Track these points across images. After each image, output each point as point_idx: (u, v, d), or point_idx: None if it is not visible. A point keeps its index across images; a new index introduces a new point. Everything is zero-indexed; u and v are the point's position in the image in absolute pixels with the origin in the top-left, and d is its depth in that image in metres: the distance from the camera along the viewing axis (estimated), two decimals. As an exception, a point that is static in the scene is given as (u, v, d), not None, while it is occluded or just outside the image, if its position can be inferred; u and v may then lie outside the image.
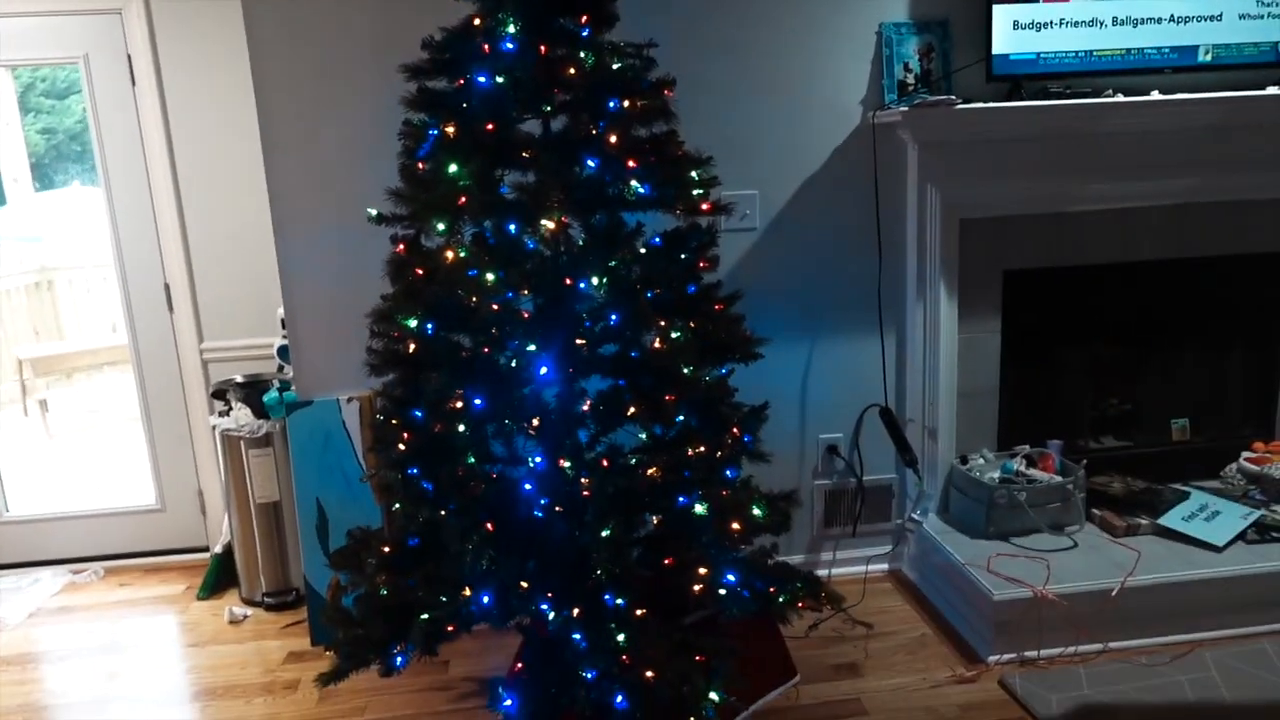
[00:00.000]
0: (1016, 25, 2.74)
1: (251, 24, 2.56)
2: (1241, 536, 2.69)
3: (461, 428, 2.04)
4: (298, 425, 2.74)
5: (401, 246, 2.11)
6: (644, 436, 2.18)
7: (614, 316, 2.05)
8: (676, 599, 2.11)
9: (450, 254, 2.02)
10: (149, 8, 3.10)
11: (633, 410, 2.03)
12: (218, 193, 3.23)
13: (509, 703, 2.03)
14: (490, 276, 1.97)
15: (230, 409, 3.06)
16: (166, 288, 3.28)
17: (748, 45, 2.76)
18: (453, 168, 1.98)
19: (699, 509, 2.08)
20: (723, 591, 2.10)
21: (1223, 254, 3.02)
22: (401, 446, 2.10)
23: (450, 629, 2.05)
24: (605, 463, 2.09)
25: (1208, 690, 2.32)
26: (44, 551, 3.44)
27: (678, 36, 2.63)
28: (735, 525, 2.15)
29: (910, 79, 2.80)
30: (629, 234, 2.08)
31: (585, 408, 2.08)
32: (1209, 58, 2.84)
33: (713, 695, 1.94)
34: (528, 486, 2.03)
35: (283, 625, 2.94)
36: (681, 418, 2.12)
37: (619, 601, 1.97)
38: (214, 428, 3.09)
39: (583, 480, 2.06)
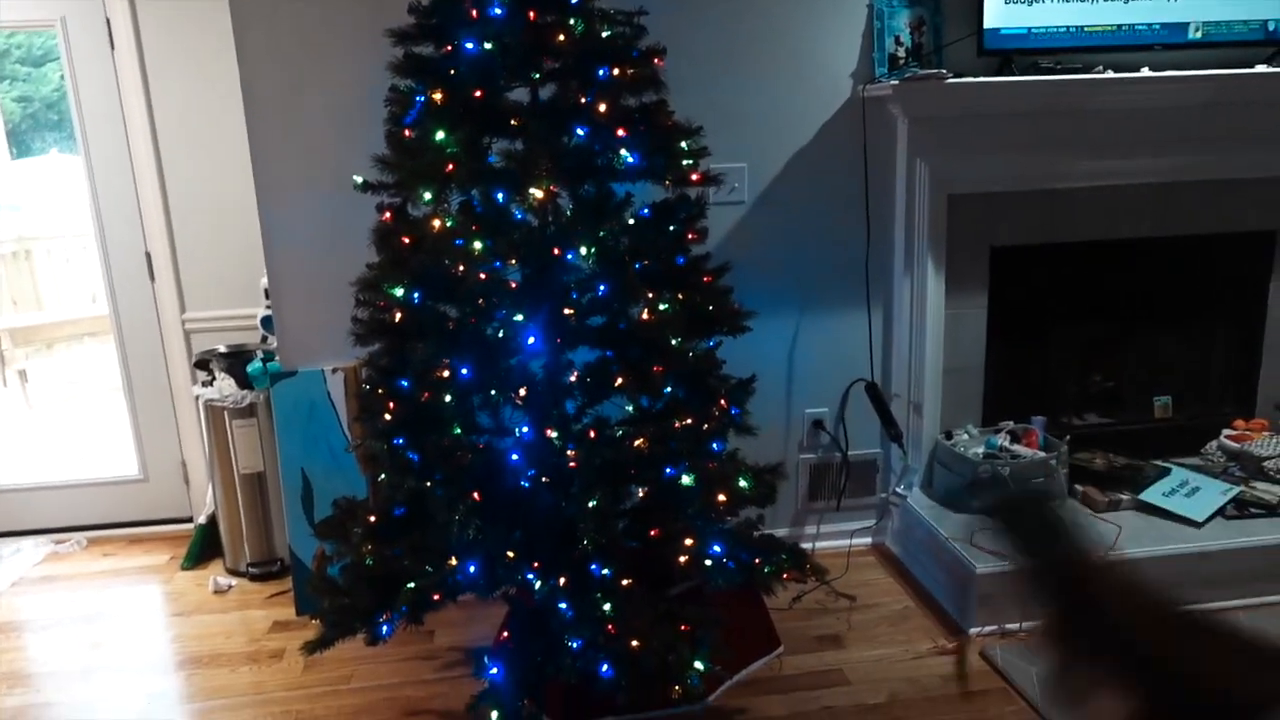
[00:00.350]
0: (1008, -1, 2.73)
1: (234, -13, 2.52)
2: (1220, 512, 2.72)
3: (448, 398, 2.03)
4: (282, 396, 2.72)
5: (388, 215, 2.09)
6: (631, 408, 2.18)
7: (602, 287, 2.05)
8: (662, 570, 2.12)
9: (437, 223, 2.00)
10: (128, -31, 3.04)
11: (620, 382, 2.03)
12: (200, 160, 3.18)
13: (495, 671, 2.04)
14: (478, 245, 1.96)
15: (213, 379, 3.03)
16: (148, 257, 3.24)
17: (738, 16, 2.73)
18: (440, 135, 1.96)
19: (686, 480, 2.09)
20: (708, 563, 2.11)
21: (1208, 233, 3.04)
22: (387, 416, 2.09)
23: (436, 598, 2.06)
24: (592, 434, 2.09)
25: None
26: (25, 521, 3.41)
27: (668, 5, 2.59)
28: (721, 497, 2.15)
29: (901, 52, 2.79)
30: (618, 204, 2.07)
31: (573, 379, 2.08)
32: (1199, 35, 2.83)
33: (697, 665, 1.95)
34: (514, 457, 2.02)
35: (267, 595, 2.93)
36: (669, 389, 2.12)
37: (605, 571, 1.98)
38: (197, 398, 3.06)
39: (569, 451, 2.06)
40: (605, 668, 1.95)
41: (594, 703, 2.16)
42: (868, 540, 3.12)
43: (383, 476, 2.21)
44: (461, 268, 1.99)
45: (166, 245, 3.23)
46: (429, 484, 2.10)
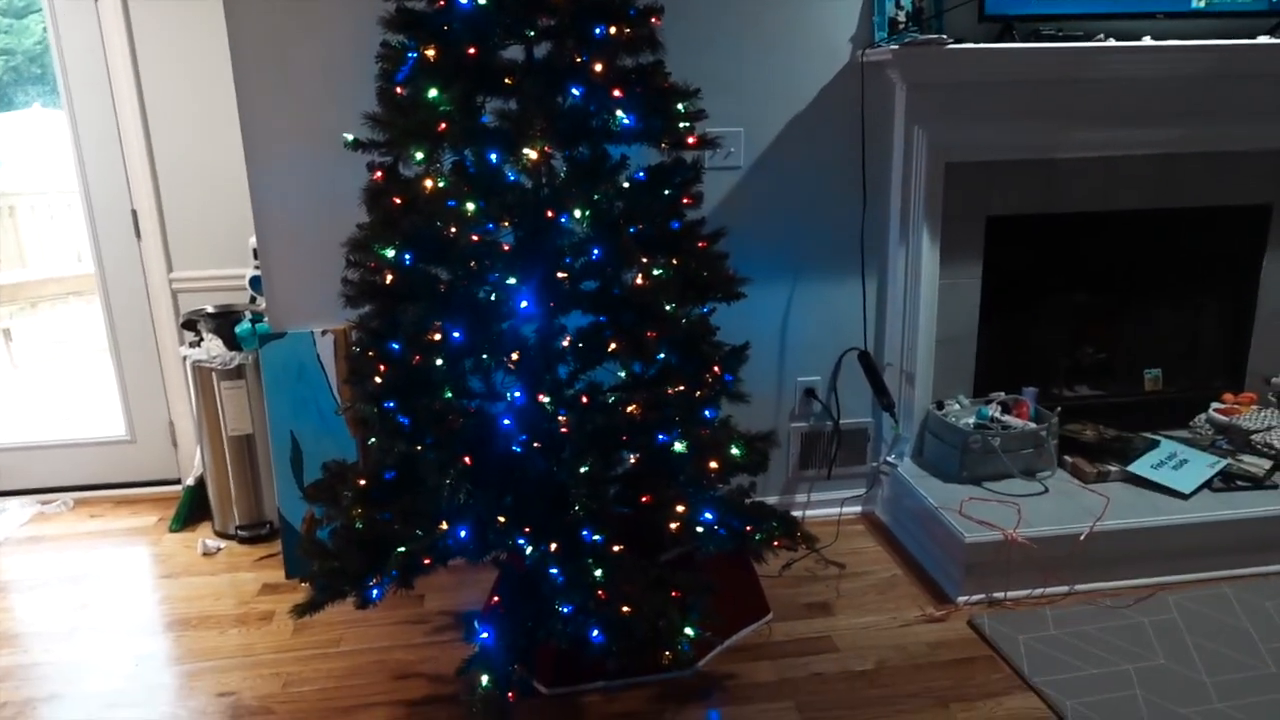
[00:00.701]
0: (1011, -36, 2.69)
1: (221, -63, 2.45)
2: (1208, 484, 2.74)
3: (439, 361, 2.01)
4: (271, 357, 2.70)
5: (378, 174, 2.06)
6: (623, 374, 2.17)
7: (596, 251, 2.03)
8: (653, 536, 2.12)
9: (429, 183, 1.97)
10: (112, -83, 2.96)
11: (613, 347, 2.01)
12: (186, 116, 3.12)
13: (485, 636, 2.04)
14: (470, 207, 1.93)
15: (201, 340, 3.00)
16: (134, 214, 3.19)
17: (737, -24, 2.68)
18: (432, 93, 1.92)
19: (678, 447, 2.08)
20: (699, 529, 2.11)
21: (1204, 205, 3.02)
22: (378, 379, 2.07)
23: (426, 562, 2.06)
24: (585, 399, 2.08)
25: (1169, 632, 2.38)
26: (11, 481, 3.39)
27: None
28: (713, 464, 2.15)
29: (901, 17, 2.74)
30: (613, 167, 2.04)
31: (565, 344, 2.06)
32: (1202, 4, 2.80)
33: (688, 631, 1.96)
34: (506, 422, 2.01)
35: (257, 558, 2.93)
36: (662, 356, 2.11)
37: (596, 537, 1.97)
38: (185, 359, 3.03)
39: (561, 417, 2.05)
40: (596, 633, 1.96)
41: (584, 668, 2.17)
42: (858, 509, 3.13)
43: (373, 440, 2.20)
44: (454, 229, 1.97)
45: (153, 203, 3.17)
46: (419, 448, 2.09)
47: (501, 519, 2.00)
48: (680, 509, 2.08)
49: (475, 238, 1.97)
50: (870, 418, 3.08)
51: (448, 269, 2.04)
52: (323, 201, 2.58)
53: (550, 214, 1.96)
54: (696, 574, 2.08)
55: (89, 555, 2.99)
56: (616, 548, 2.00)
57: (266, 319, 2.76)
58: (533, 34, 1.99)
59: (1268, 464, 2.80)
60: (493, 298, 2.00)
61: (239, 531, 3.03)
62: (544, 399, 2.03)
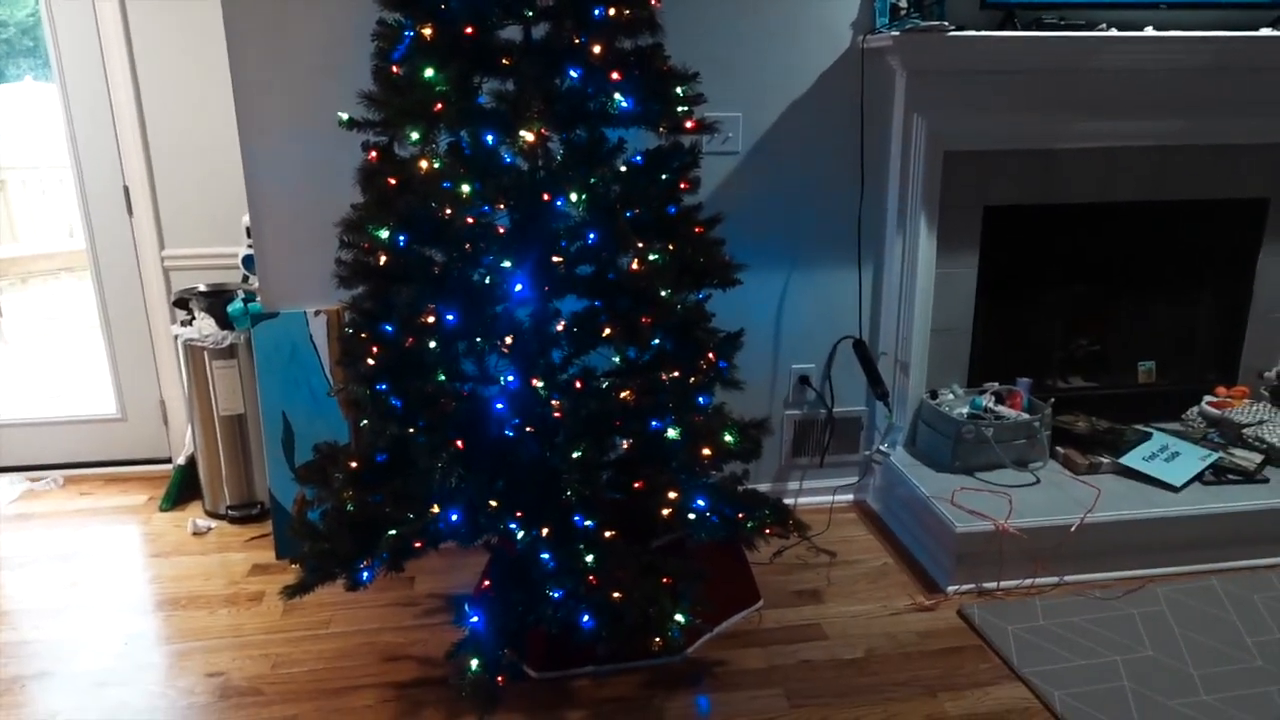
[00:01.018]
0: (1014, -49, 2.66)
1: (215, -91, 2.41)
2: (1199, 477, 2.75)
3: (432, 344, 2.00)
4: (263, 337, 2.68)
5: (373, 154, 2.04)
6: (617, 359, 2.16)
7: (592, 235, 2.01)
8: (645, 522, 2.11)
9: (424, 164, 1.95)
10: (104, -112, 2.91)
11: (608, 332, 2.00)
12: (180, 91, 3.08)
13: (475, 619, 2.04)
14: (465, 189, 1.92)
15: (193, 319, 2.98)
16: (126, 190, 3.16)
17: (738, -41, 2.66)
18: (429, 72, 1.90)
19: (671, 434, 2.08)
20: (691, 516, 2.11)
21: (1202, 198, 3.02)
22: (370, 361, 2.06)
23: (417, 546, 2.05)
24: (578, 384, 2.07)
25: (1158, 623, 2.39)
26: (1, 458, 3.37)
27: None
28: (706, 451, 2.15)
29: (903, 3, 2.71)
30: (610, 150, 2.02)
31: (559, 328, 2.05)
32: (1205, -6, 2.78)
33: (678, 617, 1.96)
34: (499, 406, 2.00)
35: (247, 538, 2.92)
36: (657, 341, 2.10)
37: (588, 523, 1.97)
38: (176, 338, 3.01)
39: (554, 401, 2.04)
40: (586, 618, 1.96)
41: (574, 653, 2.17)
42: (850, 497, 3.14)
43: (364, 422, 2.19)
44: (448, 211, 1.95)
45: (145, 179, 3.14)
46: (411, 430, 2.08)
47: (493, 503, 1.99)
48: (672, 495, 2.07)
49: (470, 220, 1.95)
50: (864, 406, 3.08)
51: (442, 251, 2.03)
52: (317, 180, 2.56)
53: (546, 197, 1.94)
54: (687, 560, 2.08)
55: (79, 533, 2.98)
56: (608, 533, 1.99)
57: (259, 298, 2.74)
58: (531, 14, 1.97)
59: (1259, 458, 2.81)
60: (487, 281, 1.99)
61: (229, 511, 3.02)
62: (537, 384, 2.02)
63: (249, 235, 2.84)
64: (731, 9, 2.68)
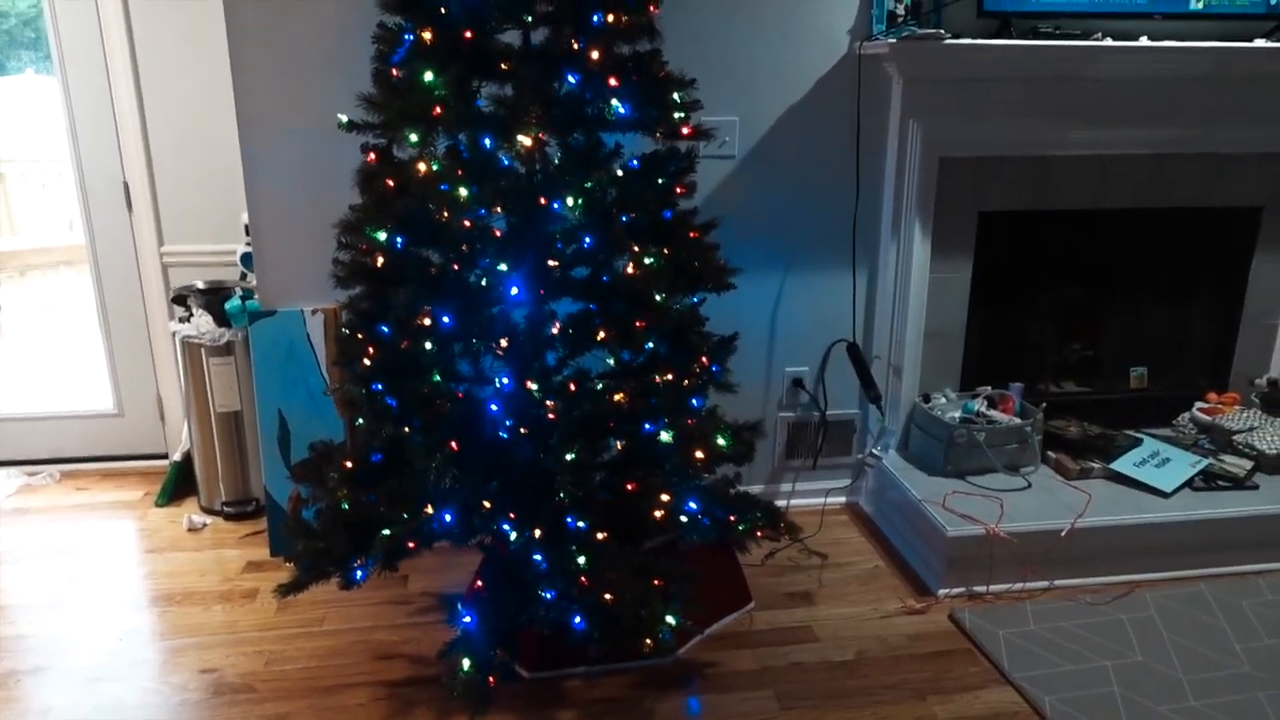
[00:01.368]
0: (1011, -41, 2.68)
1: (217, -91, 2.42)
2: (1189, 484, 2.77)
3: (428, 345, 2.01)
4: (260, 335, 2.69)
5: (372, 156, 2.05)
6: (612, 362, 2.17)
7: (587, 239, 2.02)
8: (637, 523, 2.13)
9: (423, 166, 1.97)
10: (106, -115, 2.92)
11: (603, 335, 2.02)
12: (181, 89, 3.09)
13: (468, 619, 2.06)
14: (463, 192, 1.93)
15: (191, 315, 2.99)
16: (125, 186, 3.17)
17: (737, -36, 2.67)
18: (429, 76, 1.91)
19: (664, 436, 2.09)
20: (684, 518, 2.13)
21: (1195, 206, 3.04)
22: (366, 362, 2.07)
23: (411, 545, 2.06)
24: (572, 387, 2.09)
25: (1147, 629, 2.41)
26: (-2, 452, 3.39)
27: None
28: (699, 454, 2.17)
29: (900, 10, 2.73)
30: (607, 155, 2.03)
31: (554, 330, 2.06)
32: (1200, 5, 2.80)
33: (669, 619, 1.98)
34: (494, 407, 2.02)
35: (242, 535, 2.93)
36: (651, 345, 2.11)
37: (581, 524, 1.99)
38: (174, 334, 3.02)
39: (549, 403, 2.05)
40: (578, 619, 1.97)
41: (566, 653, 2.19)
42: (842, 499, 3.15)
43: (360, 421, 2.20)
44: (446, 213, 1.96)
45: (145, 175, 3.15)
46: (407, 430, 2.09)
47: (487, 504, 2.01)
48: (665, 498, 2.09)
49: (468, 223, 1.97)
50: (857, 409, 3.10)
51: (439, 252, 2.04)
52: (316, 180, 2.57)
53: (543, 201, 1.96)
54: (679, 562, 2.09)
55: (75, 528, 2.99)
56: (600, 535, 2.01)
57: (257, 296, 2.75)
58: (530, 19, 1.98)
59: (1249, 464, 2.83)
60: (483, 283, 2.01)
61: (225, 508, 3.03)
62: (532, 385, 2.03)
63: (247, 233, 2.85)
64: (729, 13, 2.69)
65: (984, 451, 2.81)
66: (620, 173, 2.07)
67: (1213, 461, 2.85)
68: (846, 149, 2.84)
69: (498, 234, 2.01)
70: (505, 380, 2.05)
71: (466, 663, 2.00)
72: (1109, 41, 2.71)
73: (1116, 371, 3.26)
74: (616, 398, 2.07)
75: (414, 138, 1.93)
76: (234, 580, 2.68)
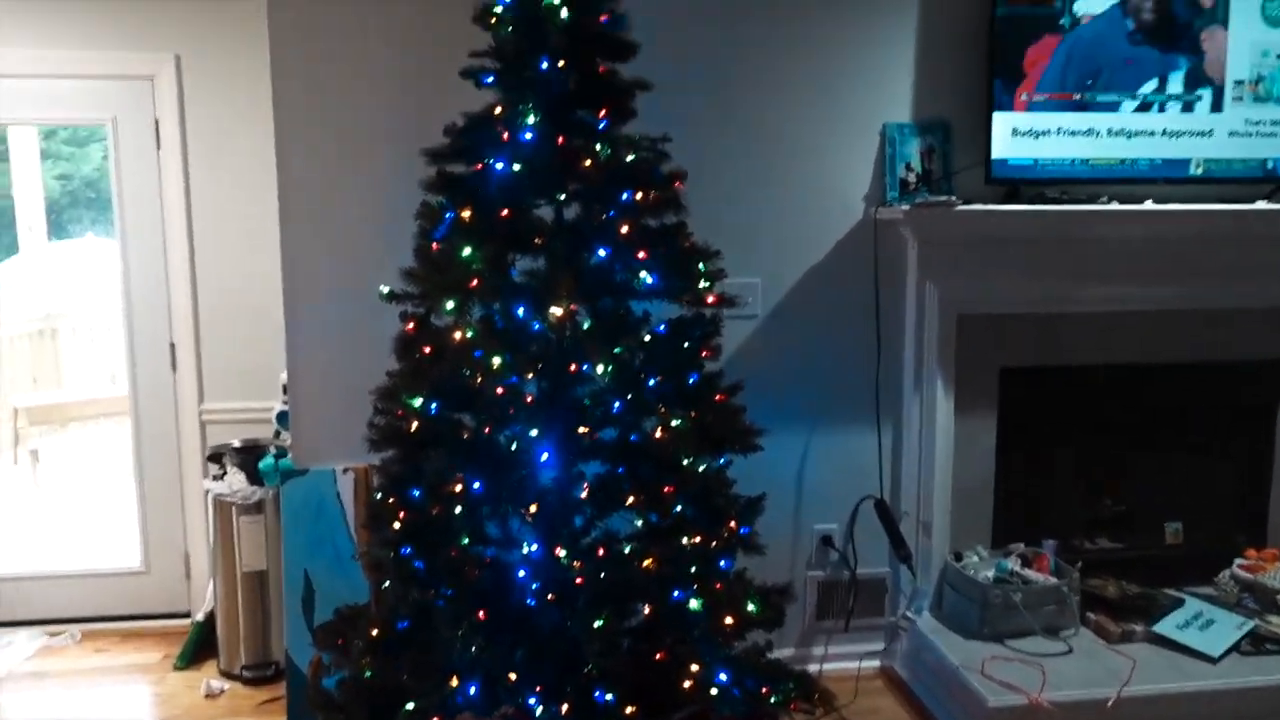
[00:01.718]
0: (1015, 132, 2.82)
1: (279, 99, 2.62)
2: (1236, 647, 2.67)
3: (458, 509, 2.03)
4: (291, 493, 2.72)
5: (411, 325, 2.13)
6: (639, 523, 2.17)
7: (616, 404, 2.06)
8: (666, 693, 2.07)
9: (458, 334, 2.04)
10: (180, 77, 3.19)
11: (631, 500, 2.03)
12: (230, 255, 3.26)
13: (492, 797, 1.98)
14: (496, 360, 1.99)
15: (225, 473, 3.04)
16: (172, 348, 3.29)
17: (757, 137, 2.82)
18: (466, 251, 2.01)
19: (693, 604, 2.06)
20: (714, 690, 2.07)
21: (1215, 360, 3.06)
22: (396, 525, 2.09)
23: None
24: (600, 551, 2.08)
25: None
26: (22, 611, 3.36)
27: (690, 126, 2.66)
28: (729, 620, 2.12)
29: (912, 178, 2.87)
30: (635, 322, 2.10)
31: (584, 494, 2.07)
32: (1200, 171, 2.92)
33: (701, 797, 1.90)
34: (521, 573, 2.01)
35: (259, 701, 2.86)
36: (679, 508, 2.11)
37: (609, 697, 1.93)
38: (207, 491, 3.06)
39: (576, 563, 2.04)
40: (606, 797, 1.90)
41: (592, 832, 2.09)
42: (876, 663, 3.05)
43: (386, 585, 2.19)
44: (480, 379, 2.02)
45: (191, 337, 3.28)
46: (433, 593, 2.08)
47: (512, 675, 1.97)
48: (695, 668, 2.04)
49: (500, 389, 2.02)
50: (888, 567, 3.04)
51: (472, 416, 2.08)
52: (354, 344, 2.65)
53: (573, 367, 2.01)
54: (710, 736, 2.02)
55: (91, 694, 2.93)
56: (629, 709, 1.95)
57: (290, 455, 2.80)
58: (563, 196, 2.09)
59: (1297, 627, 2.73)
60: (514, 447, 2.04)
61: (244, 671, 2.98)
62: (560, 552, 2.03)
63: (284, 391, 2.93)
64: (752, 182, 2.84)
65: (1021, 613, 2.73)
66: (647, 338, 2.13)
67: (1259, 623, 2.75)
68: (866, 306, 2.92)
69: (529, 399, 2.05)
70: (534, 546, 2.04)
71: (489, 845, 1.91)
72: (1114, 205, 2.81)
73: (1151, 526, 3.20)
74: (645, 564, 2.06)
75: (450, 305, 2.02)
76: (250, 749, 2.60)
